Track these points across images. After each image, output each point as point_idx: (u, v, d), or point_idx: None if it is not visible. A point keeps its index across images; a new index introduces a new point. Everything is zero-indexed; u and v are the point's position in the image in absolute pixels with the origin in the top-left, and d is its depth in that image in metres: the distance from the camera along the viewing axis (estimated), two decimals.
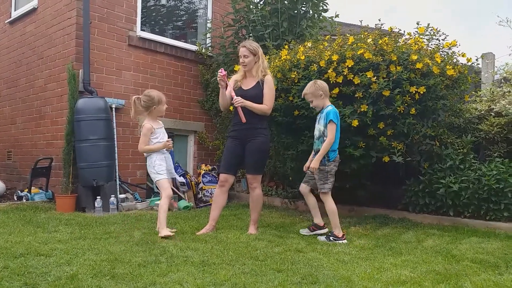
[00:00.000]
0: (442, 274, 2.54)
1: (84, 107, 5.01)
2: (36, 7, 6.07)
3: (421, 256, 2.99)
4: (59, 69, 5.55)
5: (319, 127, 3.64)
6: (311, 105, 3.72)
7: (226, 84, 3.73)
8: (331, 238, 3.49)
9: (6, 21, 6.72)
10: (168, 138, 3.77)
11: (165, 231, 3.44)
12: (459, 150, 4.41)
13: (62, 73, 5.46)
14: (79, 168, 5.00)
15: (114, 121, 5.41)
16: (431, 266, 2.71)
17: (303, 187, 3.79)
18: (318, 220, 3.76)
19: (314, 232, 3.72)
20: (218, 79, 3.71)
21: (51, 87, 5.70)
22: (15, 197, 5.56)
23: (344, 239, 3.48)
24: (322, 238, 3.53)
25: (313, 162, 3.54)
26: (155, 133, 3.67)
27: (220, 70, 3.68)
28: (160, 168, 3.63)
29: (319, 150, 3.58)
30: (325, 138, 3.55)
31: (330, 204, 3.57)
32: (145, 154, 3.73)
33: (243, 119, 3.66)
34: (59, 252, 2.86)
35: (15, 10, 6.64)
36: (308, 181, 3.75)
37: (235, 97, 3.68)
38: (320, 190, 3.59)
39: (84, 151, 4.96)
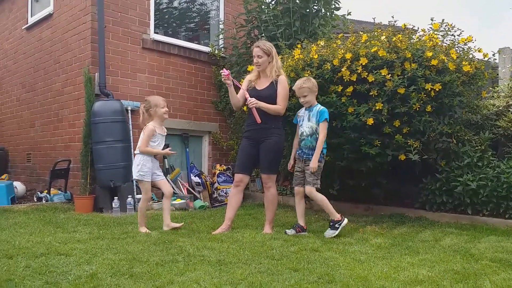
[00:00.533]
0: (461, 274, 2.50)
1: (100, 110, 5.10)
2: (51, 12, 6.19)
3: (439, 255, 2.96)
4: (76, 73, 5.65)
5: (310, 124, 3.69)
6: (302, 100, 3.74)
7: (233, 82, 3.76)
8: (336, 225, 3.56)
9: (23, 27, 6.87)
10: (166, 144, 4.01)
11: (142, 229, 3.75)
12: (476, 147, 4.34)
13: (78, 77, 5.56)
14: (97, 169, 5.08)
15: (130, 123, 5.49)
16: (449, 265, 2.68)
17: (300, 190, 3.75)
18: (303, 222, 3.77)
19: (300, 234, 3.67)
20: (222, 79, 3.76)
21: (68, 90, 5.81)
22: (35, 198, 5.69)
23: (344, 218, 3.61)
24: (329, 233, 3.55)
25: (313, 162, 3.60)
26: (155, 136, 3.83)
27: (222, 70, 3.73)
28: (144, 169, 3.79)
29: (311, 147, 3.66)
30: (317, 136, 3.64)
31: (319, 196, 3.66)
32: (136, 152, 3.88)
33: (258, 120, 3.68)
34: (79, 251, 2.92)
35: (31, 16, 6.78)
36: (300, 182, 3.75)
37: (249, 98, 3.70)
38: (313, 186, 3.64)
39: (101, 152, 5.04)
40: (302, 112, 3.81)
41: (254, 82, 3.88)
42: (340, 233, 3.53)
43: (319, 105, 3.74)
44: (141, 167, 3.79)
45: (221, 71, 3.74)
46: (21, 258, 2.72)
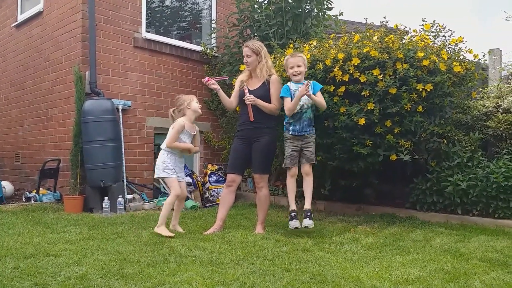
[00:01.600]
0: (451, 273, 2.52)
1: (91, 109, 5.04)
2: (42, 10, 6.12)
3: (430, 255, 2.98)
4: (66, 72, 5.59)
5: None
6: (295, 70, 3.65)
7: (217, 85, 3.83)
8: (311, 215, 3.56)
9: (12, 25, 6.77)
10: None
11: (161, 229, 3.50)
12: (466, 148, 4.38)
13: (68, 76, 5.50)
14: (87, 169, 5.03)
15: (121, 122, 5.44)
16: (439, 265, 2.70)
17: (295, 172, 3.67)
18: (295, 206, 3.70)
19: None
20: (209, 87, 3.81)
21: (58, 89, 5.74)
22: (23, 198, 5.62)
23: None
24: (309, 222, 3.51)
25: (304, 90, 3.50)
26: (183, 132, 3.73)
27: (202, 80, 3.78)
28: (168, 166, 3.66)
29: (311, 119, 3.68)
30: (312, 108, 3.67)
31: (312, 177, 3.68)
32: (164, 148, 3.73)
33: (252, 117, 3.68)
34: (69, 252, 2.89)
35: (21, 14, 6.69)
36: (296, 162, 3.67)
37: (247, 94, 3.69)
38: (312, 162, 3.66)
39: (92, 152, 4.99)
40: (294, 86, 3.69)
41: (246, 82, 3.87)
42: None
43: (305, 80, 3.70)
44: (166, 164, 3.67)
45: (202, 80, 3.77)
46: (9, 259, 2.69)
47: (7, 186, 5.91)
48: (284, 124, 3.78)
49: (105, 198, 4.85)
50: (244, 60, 3.82)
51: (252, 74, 3.86)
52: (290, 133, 3.71)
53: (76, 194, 5.05)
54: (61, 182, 5.53)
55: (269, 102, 3.76)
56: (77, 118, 5.13)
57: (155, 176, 3.84)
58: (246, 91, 3.74)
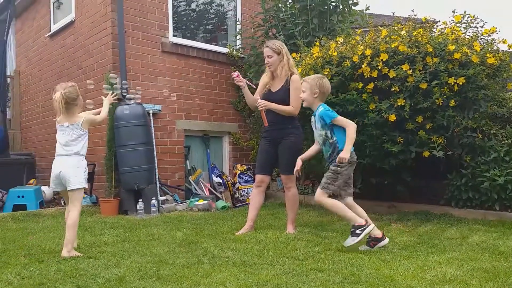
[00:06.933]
0: (490, 272, 2.45)
1: (123, 114, 5.19)
2: (73, 20, 6.34)
3: (467, 253, 2.90)
4: (98, 78, 5.75)
5: (319, 132, 3.27)
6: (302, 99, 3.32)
7: (245, 82, 3.78)
8: (357, 231, 3.02)
9: (46, 35, 7.05)
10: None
11: (73, 252, 2.97)
12: (503, 141, 4.23)
13: (101, 82, 5.67)
14: (121, 172, 5.18)
15: (152, 126, 5.57)
16: (477, 264, 2.63)
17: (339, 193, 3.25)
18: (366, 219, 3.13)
19: (377, 246, 3.09)
20: (235, 82, 3.78)
21: (91, 96, 5.93)
22: (62, 202, 5.83)
23: (369, 224, 3.06)
24: (347, 240, 3.05)
25: (343, 153, 3.04)
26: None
27: (232, 74, 3.72)
28: (86, 174, 3.19)
29: (329, 156, 3.22)
30: (330, 141, 3.19)
31: (329, 201, 3.13)
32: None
33: (266, 123, 3.69)
34: (107, 254, 2.98)
35: (54, 24, 6.96)
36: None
37: (259, 100, 3.68)
38: (322, 189, 3.13)
39: (125, 156, 5.13)
40: (312, 117, 3.39)
41: (270, 84, 3.85)
42: (362, 240, 3.02)
43: (320, 107, 3.24)
44: (85, 173, 3.21)
45: (232, 74, 3.76)
46: (51, 262, 2.80)
47: (47, 191, 6.15)
48: None
49: (139, 200, 4.98)
50: (265, 61, 3.80)
51: (274, 74, 3.83)
52: None
53: (111, 197, 5.22)
54: (96, 186, 5.72)
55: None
56: (110, 123, 5.29)
57: (79, 187, 3.10)
58: (257, 97, 3.70)
